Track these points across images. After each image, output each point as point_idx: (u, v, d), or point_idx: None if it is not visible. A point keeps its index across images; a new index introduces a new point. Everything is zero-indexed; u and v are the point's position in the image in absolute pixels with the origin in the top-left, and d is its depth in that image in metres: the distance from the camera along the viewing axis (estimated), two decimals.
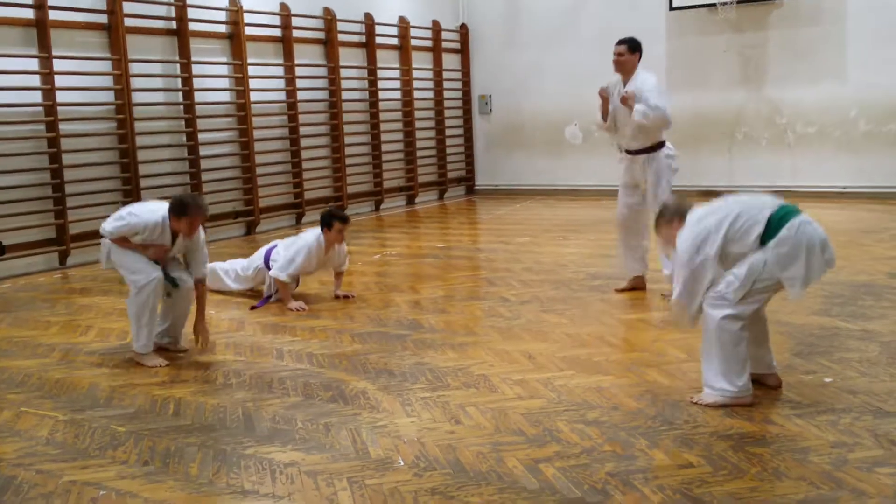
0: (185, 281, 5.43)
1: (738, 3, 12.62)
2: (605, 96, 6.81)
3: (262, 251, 7.04)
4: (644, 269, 6.85)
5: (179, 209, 5.19)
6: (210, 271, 7.33)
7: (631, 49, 6.68)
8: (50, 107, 8.82)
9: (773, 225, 4.05)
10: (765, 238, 4.05)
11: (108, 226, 5.33)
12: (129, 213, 5.36)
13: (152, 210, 5.35)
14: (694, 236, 4.15)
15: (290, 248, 6.74)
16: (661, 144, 6.70)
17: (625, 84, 6.70)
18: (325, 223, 6.71)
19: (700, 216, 4.24)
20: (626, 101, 6.51)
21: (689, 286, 4.17)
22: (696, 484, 3.33)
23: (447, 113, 15.13)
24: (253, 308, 6.72)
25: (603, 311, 6.29)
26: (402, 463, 3.65)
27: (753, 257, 4.06)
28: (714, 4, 12.76)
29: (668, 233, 4.45)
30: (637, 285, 6.85)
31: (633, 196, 6.79)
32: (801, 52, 12.67)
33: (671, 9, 13.31)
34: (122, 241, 5.31)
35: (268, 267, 6.85)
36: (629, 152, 6.78)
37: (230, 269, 7.21)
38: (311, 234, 6.76)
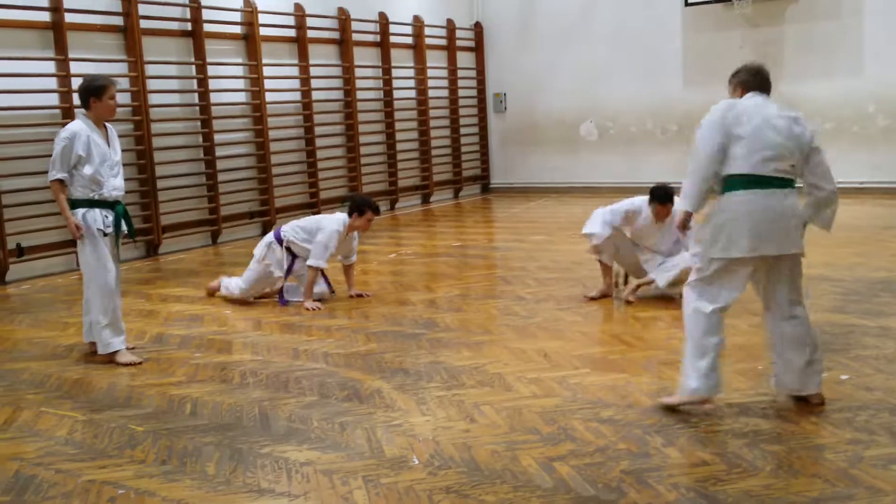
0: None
1: None
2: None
3: (265, 239, 7.01)
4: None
5: (97, 88, 5.34)
6: (223, 286, 7.23)
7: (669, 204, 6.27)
8: (67, 109, 8.89)
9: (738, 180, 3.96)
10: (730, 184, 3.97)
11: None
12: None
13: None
14: (719, 121, 4.05)
15: (320, 235, 6.71)
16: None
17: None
18: (358, 209, 6.74)
19: (737, 112, 4.05)
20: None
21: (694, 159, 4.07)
22: (711, 482, 3.32)
23: (462, 111, 15.14)
24: (284, 303, 6.82)
25: (618, 310, 6.28)
26: (417, 461, 3.66)
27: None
28: (730, 0, 12.70)
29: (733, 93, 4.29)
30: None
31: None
32: (817, 48, 12.59)
33: (686, 5, 13.27)
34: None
35: (278, 241, 6.86)
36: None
37: (234, 281, 7.16)
38: (337, 220, 6.78)
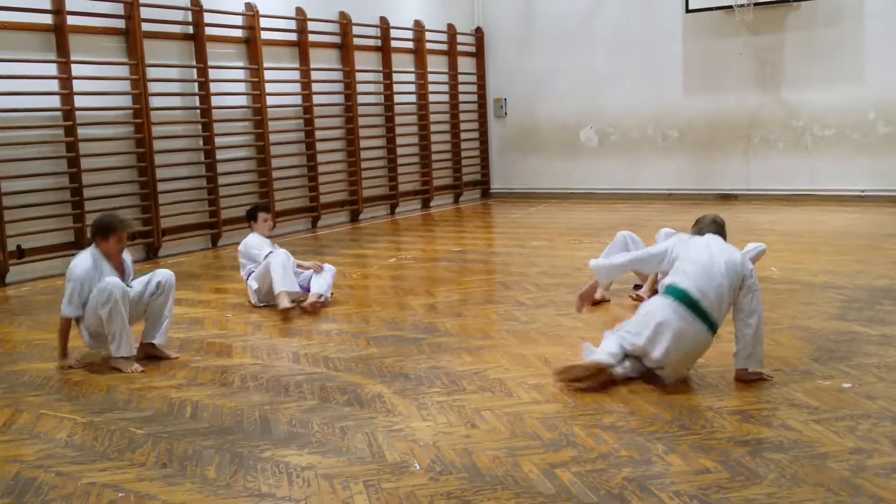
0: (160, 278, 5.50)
1: (754, 5, 12.57)
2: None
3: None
4: None
5: (104, 229, 5.29)
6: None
7: None
8: (68, 111, 8.89)
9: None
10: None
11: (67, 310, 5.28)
12: (70, 283, 5.27)
13: (76, 262, 5.33)
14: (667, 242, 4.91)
15: (249, 250, 7.09)
16: None
17: None
18: (252, 217, 7.27)
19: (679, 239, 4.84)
20: None
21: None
22: (713, 490, 3.31)
23: (462, 116, 15.15)
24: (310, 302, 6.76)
25: (619, 315, 6.27)
26: (418, 467, 3.65)
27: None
28: (730, 7, 12.72)
29: None
30: None
31: None
32: (818, 55, 12.61)
33: (687, 11, 13.28)
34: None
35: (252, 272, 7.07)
36: None
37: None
38: (246, 239, 7.25)
